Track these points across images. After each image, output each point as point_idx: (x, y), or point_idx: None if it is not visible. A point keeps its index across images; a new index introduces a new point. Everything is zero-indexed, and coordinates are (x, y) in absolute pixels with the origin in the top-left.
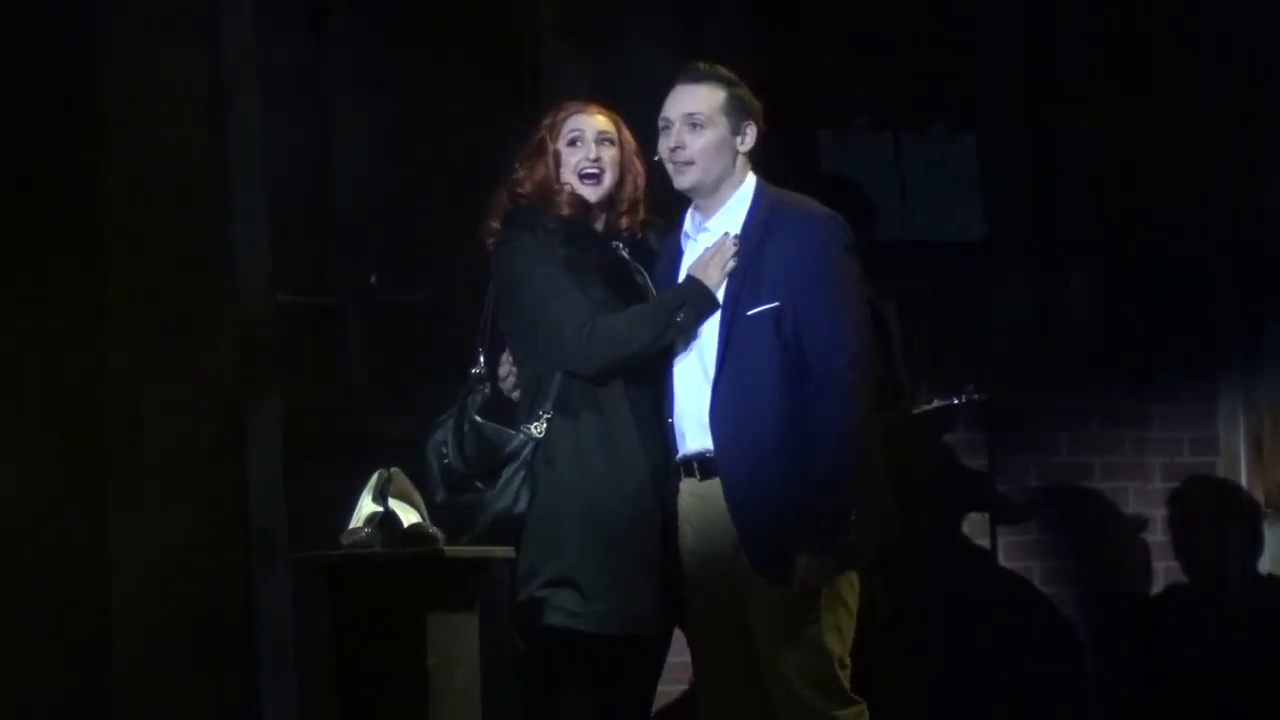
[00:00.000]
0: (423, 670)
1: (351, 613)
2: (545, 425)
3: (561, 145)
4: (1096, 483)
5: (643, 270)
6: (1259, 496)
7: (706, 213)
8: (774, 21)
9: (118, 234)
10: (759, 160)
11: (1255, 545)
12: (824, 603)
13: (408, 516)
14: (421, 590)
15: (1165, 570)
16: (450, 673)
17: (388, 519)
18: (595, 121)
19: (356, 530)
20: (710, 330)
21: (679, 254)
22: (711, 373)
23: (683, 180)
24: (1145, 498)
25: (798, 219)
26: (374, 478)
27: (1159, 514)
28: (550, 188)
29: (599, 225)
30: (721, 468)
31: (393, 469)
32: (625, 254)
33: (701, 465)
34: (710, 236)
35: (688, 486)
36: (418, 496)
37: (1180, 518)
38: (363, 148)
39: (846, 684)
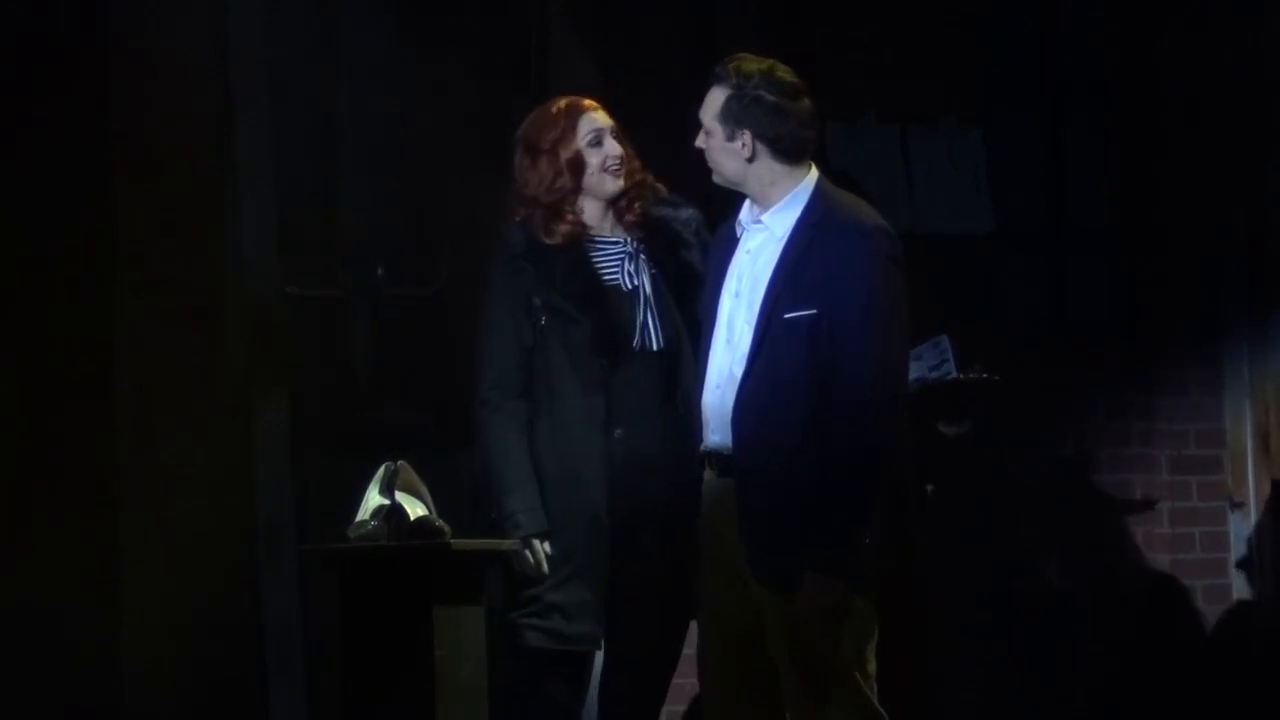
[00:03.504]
0: (430, 662)
1: (359, 605)
2: None
3: (582, 144)
4: (1103, 475)
5: (643, 268)
6: (1265, 489)
7: (761, 208)
8: (782, 15)
9: (126, 229)
10: (791, 153)
11: (1261, 538)
12: (840, 614)
13: (414, 509)
14: (428, 583)
15: (1171, 563)
16: (457, 665)
17: (394, 512)
18: (605, 118)
19: (363, 523)
20: (745, 325)
21: (734, 241)
22: (741, 369)
23: (713, 178)
24: (1152, 490)
25: (845, 227)
26: (380, 471)
27: (1165, 506)
28: (563, 195)
29: (611, 223)
30: (737, 468)
31: (399, 462)
32: (630, 248)
33: (720, 462)
34: (762, 230)
35: (706, 479)
36: (424, 489)
37: (1186, 510)
38: (371, 141)
39: (871, 695)
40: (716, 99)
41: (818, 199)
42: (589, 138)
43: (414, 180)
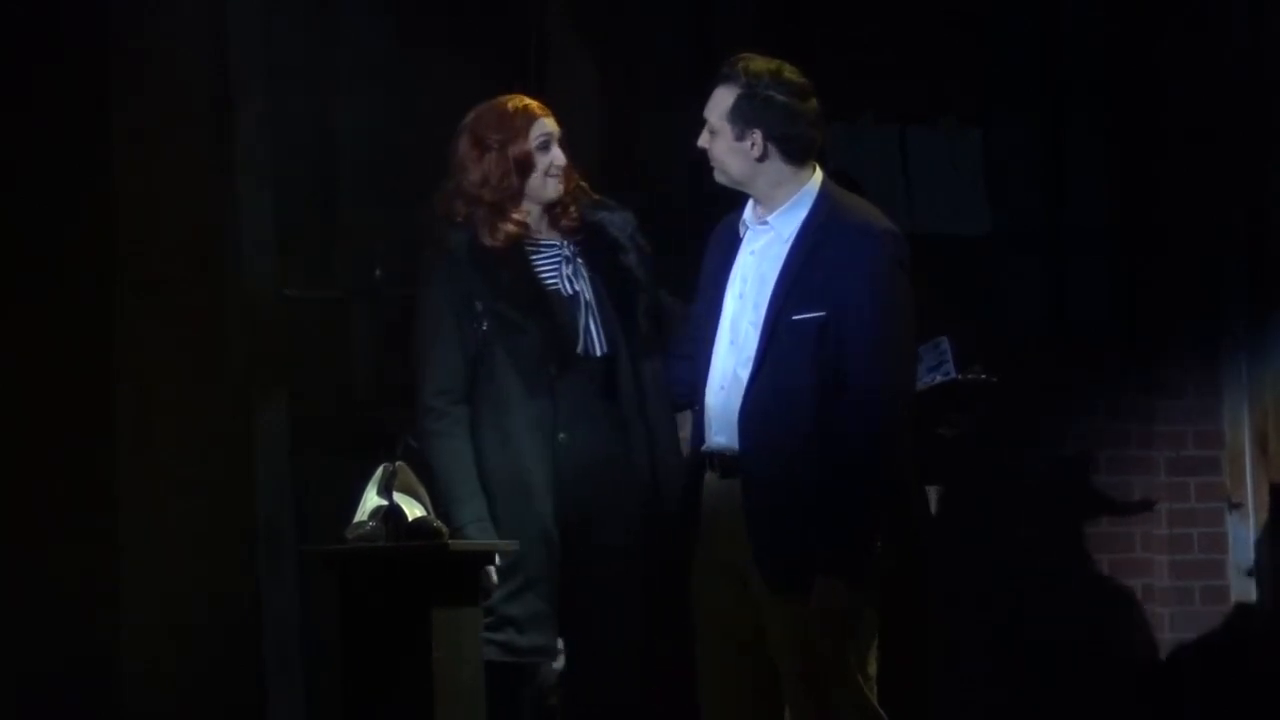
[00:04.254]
0: (428, 663)
1: (357, 606)
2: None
3: (532, 147)
4: (1101, 476)
5: (581, 272)
6: (1263, 491)
7: (766, 209)
8: (781, 16)
9: (126, 229)
10: (799, 154)
11: (1259, 539)
12: (849, 618)
13: (412, 510)
14: (426, 584)
15: (1169, 564)
16: (456, 666)
17: (392, 513)
18: (554, 124)
19: (361, 524)
20: (750, 327)
21: (736, 240)
22: (746, 370)
23: (715, 176)
24: (1150, 491)
25: (852, 230)
26: (379, 472)
27: (1163, 507)
28: (507, 194)
29: (546, 226)
30: (744, 471)
31: (398, 463)
32: (568, 252)
33: (723, 463)
34: (767, 231)
35: (708, 480)
36: (422, 490)
37: (1184, 512)
38: (369, 142)
39: (872, 697)
40: (725, 98)
41: (824, 201)
42: (539, 141)
43: (414, 180)
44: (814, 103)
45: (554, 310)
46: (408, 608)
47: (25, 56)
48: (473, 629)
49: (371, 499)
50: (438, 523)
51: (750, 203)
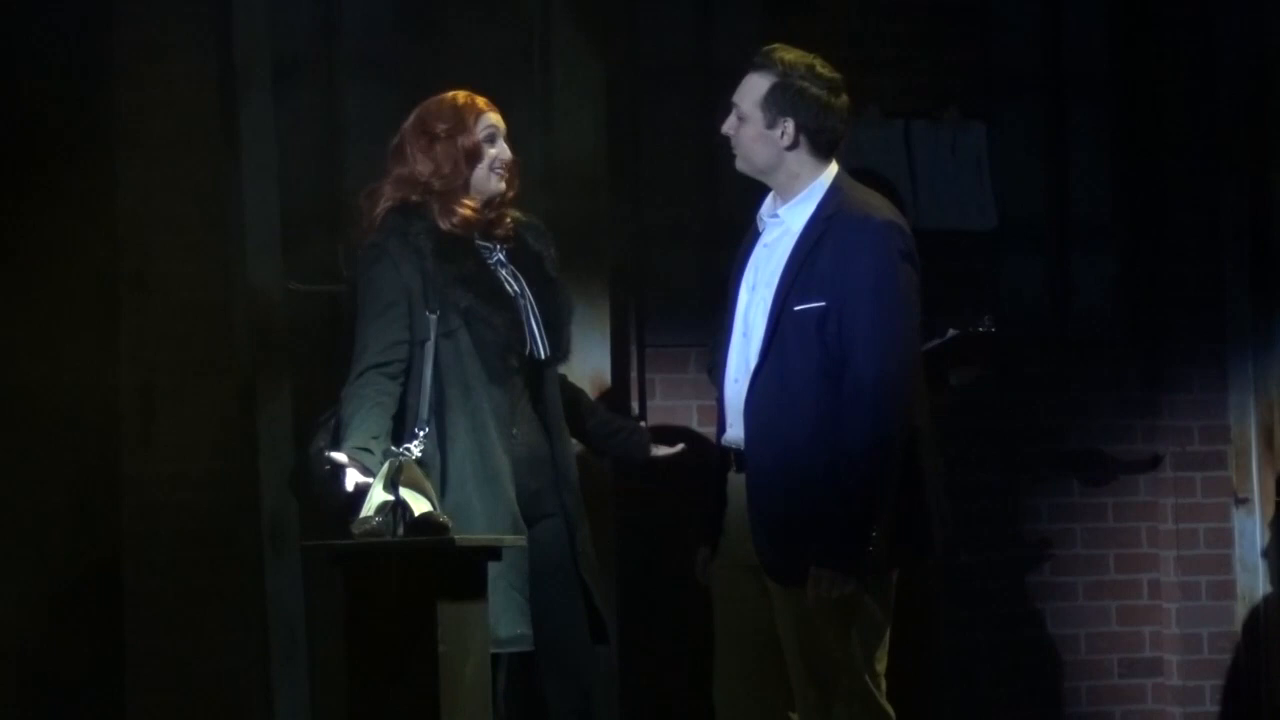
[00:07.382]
0: (434, 658)
1: (363, 601)
2: (422, 445)
3: (480, 139)
4: (1107, 471)
5: (518, 276)
6: (1269, 485)
7: (781, 200)
8: (785, 9)
9: (129, 222)
10: (825, 147)
11: (1265, 534)
12: (847, 609)
13: (419, 505)
14: (433, 578)
15: (1175, 559)
16: (461, 661)
17: (398, 508)
18: (501, 120)
19: (367, 519)
20: (760, 317)
21: (756, 234)
22: (754, 361)
23: (737, 164)
24: (1155, 486)
25: (855, 221)
26: (385, 466)
27: (1169, 502)
28: (456, 184)
29: (489, 230)
30: (749, 462)
31: (403, 458)
32: (502, 256)
33: (737, 456)
34: (779, 225)
35: (730, 475)
36: (428, 485)
37: (1190, 506)
38: (373, 137)
39: (878, 692)
40: (759, 85)
41: (833, 194)
42: (485, 133)
43: None
44: (845, 98)
45: (514, 306)
46: (413, 602)
47: (27, 48)
48: (478, 623)
49: (378, 494)
50: (444, 517)
51: (770, 196)
